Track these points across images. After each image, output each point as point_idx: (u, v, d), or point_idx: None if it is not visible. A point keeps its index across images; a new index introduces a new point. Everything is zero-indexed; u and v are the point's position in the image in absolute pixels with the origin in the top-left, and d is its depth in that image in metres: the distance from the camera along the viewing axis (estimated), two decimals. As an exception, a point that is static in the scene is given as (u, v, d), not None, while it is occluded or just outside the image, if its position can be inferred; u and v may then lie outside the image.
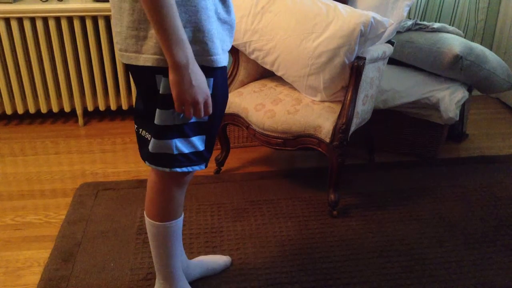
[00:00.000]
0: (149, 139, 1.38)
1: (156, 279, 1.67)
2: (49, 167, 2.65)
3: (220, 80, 1.35)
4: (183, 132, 1.34)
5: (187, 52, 1.19)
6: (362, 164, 2.68)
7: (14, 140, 2.95)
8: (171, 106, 1.29)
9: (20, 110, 3.03)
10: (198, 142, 1.39)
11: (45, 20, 2.82)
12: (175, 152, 1.35)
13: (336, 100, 2.19)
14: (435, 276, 1.85)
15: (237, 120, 2.34)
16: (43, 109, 3.05)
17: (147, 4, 1.12)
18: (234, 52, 2.41)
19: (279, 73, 2.28)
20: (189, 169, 1.40)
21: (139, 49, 1.26)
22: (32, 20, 2.81)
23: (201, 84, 1.24)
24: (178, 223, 1.55)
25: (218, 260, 1.89)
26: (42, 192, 2.41)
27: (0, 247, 2.02)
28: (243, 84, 2.46)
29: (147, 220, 1.54)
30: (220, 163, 2.55)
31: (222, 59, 1.32)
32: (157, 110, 1.31)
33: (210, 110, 1.30)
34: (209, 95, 1.28)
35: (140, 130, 1.44)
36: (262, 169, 2.62)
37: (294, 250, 1.99)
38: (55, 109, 3.06)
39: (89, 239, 2.05)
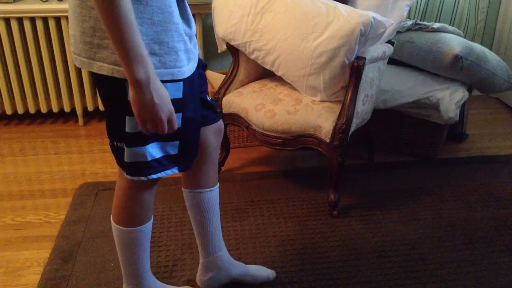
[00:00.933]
0: (123, 147, 1.32)
1: (124, 285, 1.59)
2: (49, 167, 2.65)
3: (188, 84, 1.30)
4: (155, 137, 1.29)
5: (148, 68, 1.12)
6: (362, 164, 2.68)
7: (14, 140, 2.95)
8: None
9: (20, 110, 3.03)
10: (170, 148, 1.33)
11: (45, 20, 2.82)
12: (149, 158, 1.30)
13: (336, 100, 2.19)
14: (435, 276, 1.85)
15: (237, 120, 2.34)
16: (43, 109, 3.05)
17: (105, 21, 1.06)
18: (234, 52, 2.41)
19: (279, 73, 2.28)
20: (163, 174, 1.35)
21: (92, 55, 1.19)
22: (32, 20, 2.81)
23: (163, 101, 1.18)
24: (148, 227, 1.50)
25: (262, 271, 1.84)
26: (42, 192, 2.41)
27: (0, 247, 2.02)
28: (243, 84, 2.46)
29: (116, 227, 1.48)
30: (220, 163, 2.54)
31: (188, 69, 1.28)
32: (127, 117, 1.25)
33: (175, 126, 1.24)
34: (173, 112, 1.21)
35: (115, 142, 1.36)
36: (262, 169, 2.62)
37: (294, 250, 1.99)
38: (55, 109, 3.06)
39: (89, 239, 2.05)
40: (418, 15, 3.29)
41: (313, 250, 1.99)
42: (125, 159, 1.31)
